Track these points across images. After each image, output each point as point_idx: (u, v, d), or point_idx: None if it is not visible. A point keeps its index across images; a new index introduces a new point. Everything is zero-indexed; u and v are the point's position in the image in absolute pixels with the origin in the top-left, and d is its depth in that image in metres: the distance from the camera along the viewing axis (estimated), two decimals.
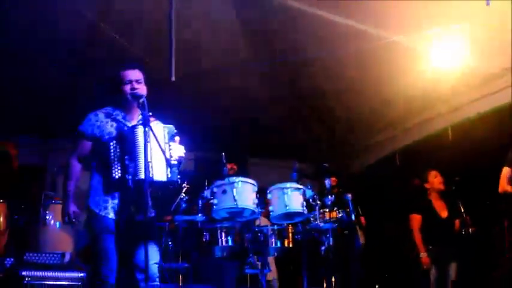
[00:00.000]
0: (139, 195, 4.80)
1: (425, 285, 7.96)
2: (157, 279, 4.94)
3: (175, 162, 4.87)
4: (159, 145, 4.76)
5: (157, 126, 4.91)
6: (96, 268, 4.80)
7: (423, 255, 7.98)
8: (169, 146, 4.90)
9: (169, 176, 4.80)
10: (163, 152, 4.79)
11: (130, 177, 4.70)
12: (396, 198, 9.25)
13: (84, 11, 7.24)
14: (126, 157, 4.74)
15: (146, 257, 4.53)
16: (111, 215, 4.83)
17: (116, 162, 4.77)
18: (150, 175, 4.68)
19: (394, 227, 9.28)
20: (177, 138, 4.97)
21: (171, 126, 4.99)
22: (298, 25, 7.69)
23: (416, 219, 8.17)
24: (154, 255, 4.89)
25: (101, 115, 5.03)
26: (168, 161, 4.81)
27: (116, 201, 4.86)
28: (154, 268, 4.88)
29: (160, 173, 4.76)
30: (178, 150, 4.92)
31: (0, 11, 7.00)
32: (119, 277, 4.77)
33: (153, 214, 5.00)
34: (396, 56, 7.78)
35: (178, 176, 4.87)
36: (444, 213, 8.18)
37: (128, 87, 5.02)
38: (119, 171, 4.74)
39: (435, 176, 8.29)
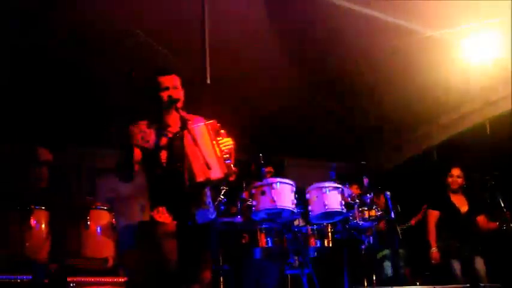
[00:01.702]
0: (199, 196, 4.85)
1: (450, 278, 7.91)
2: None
3: (228, 156, 4.85)
4: (206, 144, 4.76)
5: (199, 126, 4.90)
6: (152, 274, 4.82)
7: (433, 250, 8.05)
8: (217, 141, 4.89)
9: (225, 170, 4.79)
10: (213, 149, 4.80)
11: (186, 182, 4.68)
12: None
13: (116, 17, 7.27)
14: (178, 164, 4.72)
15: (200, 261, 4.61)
16: (171, 221, 4.84)
17: (168, 170, 4.77)
18: (206, 176, 4.70)
19: None
20: (222, 131, 4.95)
21: (213, 121, 4.97)
22: (332, 22, 7.65)
23: (432, 215, 8.27)
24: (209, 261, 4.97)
25: (143, 126, 5.04)
26: (220, 157, 4.81)
27: (174, 206, 4.85)
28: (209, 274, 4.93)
29: (215, 170, 4.75)
30: (226, 143, 4.91)
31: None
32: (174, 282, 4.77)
33: (214, 216, 5.09)
34: (431, 52, 7.71)
35: (234, 168, 4.85)
36: (464, 208, 8.22)
37: (165, 94, 5.03)
38: (173, 178, 4.73)
39: (458, 175, 8.30)
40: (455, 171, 8.31)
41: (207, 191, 5.12)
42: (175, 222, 4.80)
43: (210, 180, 4.79)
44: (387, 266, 8.40)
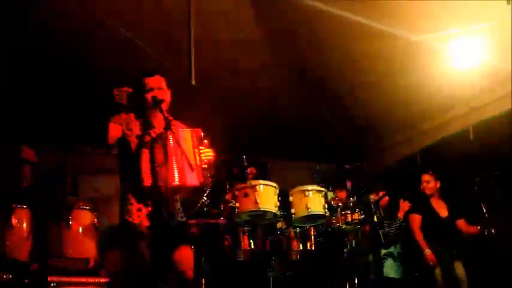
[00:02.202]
0: (172, 200, 4.86)
1: (433, 285, 7.93)
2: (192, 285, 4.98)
3: (206, 166, 4.85)
4: (187, 150, 4.76)
5: (184, 131, 4.91)
6: (128, 275, 4.82)
7: (427, 251, 7.98)
8: (199, 150, 4.89)
9: (201, 180, 4.78)
10: (194, 157, 4.79)
11: (162, 183, 4.69)
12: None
13: (101, 16, 7.25)
14: (155, 164, 4.73)
15: (181, 262, 4.61)
16: (145, 223, 4.83)
17: (146, 170, 4.76)
18: (182, 180, 4.69)
19: None
20: (205, 141, 4.95)
21: (198, 130, 4.98)
22: (317, 25, 7.67)
23: (416, 219, 8.25)
24: (189, 260, 4.93)
25: (131, 115, 5.01)
26: (198, 165, 4.80)
27: (149, 208, 4.86)
28: (189, 272, 4.91)
29: (192, 177, 4.75)
30: (207, 154, 4.91)
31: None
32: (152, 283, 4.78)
33: (184, 219, 5.09)
34: (416, 57, 7.74)
35: (210, 180, 4.86)
36: (444, 213, 8.28)
37: (149, 95, 5.03)
38: (151, 178, 4.74)
39: (427, 181, 8.36)
40: (425, 177, 8.40)
41: (177, 196, 5.10)
42: (147, 223, 4.82)
43: (185, 186, 4.78)
44: (389, 265, 8.28)
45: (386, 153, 10.59)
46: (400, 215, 8.23)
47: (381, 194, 8.02)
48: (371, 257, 7.94)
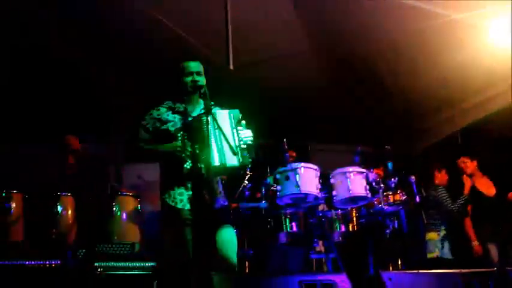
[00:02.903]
0: (213, 183, 4.90)
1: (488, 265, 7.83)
2: (236, 268, 4.99)
3: (245, 146, 4.88)
4: (226, 131, 4.79)
5: (222, 113, 4.94)
6: (172, 259, 4.86)
7: (475, 243, 7.94)
8: (237, 130, 4.90)
9: (240, 160, 4.80)
10: (232, 137, 4.83)
11: (202, 165, 4.73)
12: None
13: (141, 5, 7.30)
14: (195, 146, 4.78)
15: (224, 246, 4.68)
16: (187, 206, 4.88)
17: (186, 153, 4.82)
18: (222, 161, 4.72)
19: None
20: (243, 122, 4.97)
21: (236, 111, 4.97)
22: (355, 6, 7.61)
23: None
24: (232, 244, 4.97)
25: (163, 109, 5.09)
26: (237, 146, 4.83)
27: (190, 191, 4.91)
28: (234, 257, 4.94)
29: (231, 158, 4.77)
30: (246, 134, 4.93)
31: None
32: (192, 268, 4.81)
33: (226, 203, 5.11)
34: (456, 35, 7.66)
35: (250, 160, 4.87)
36: (490, 191, 8.14)
37: (188, 79, 5.08)
38: (190, 161, 4.79)
39: (464, 161, 8.28)
40: (461, 160, 8.29)
41: (219, 178, 5.14)
42: (188, 207, 4.87)
43: (225, 167, 4.80)
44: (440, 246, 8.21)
45: (427, 134, 10.52)
46: (466, 191, 8.07)
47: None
48: (429, 236, 7.92)
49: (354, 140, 9.18)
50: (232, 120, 4.92)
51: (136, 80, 8.55)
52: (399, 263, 7.56)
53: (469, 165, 8.19)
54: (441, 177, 8.29)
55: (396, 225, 7.41)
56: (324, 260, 7.63)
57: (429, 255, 7.97)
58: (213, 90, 5.01)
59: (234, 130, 4.88)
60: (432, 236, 8.04)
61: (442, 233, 8.00)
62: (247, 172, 7.21)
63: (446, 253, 7.94)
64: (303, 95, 9.08)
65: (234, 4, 7.13)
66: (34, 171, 7.75)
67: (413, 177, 7.42)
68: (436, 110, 9.90)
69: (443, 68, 8.43)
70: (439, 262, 7.80)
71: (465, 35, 7.68)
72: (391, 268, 7.48)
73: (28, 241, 6.62)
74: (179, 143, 4.87)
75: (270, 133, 8.60)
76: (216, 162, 4.71)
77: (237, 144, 4.82)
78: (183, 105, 5.11)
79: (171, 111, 5.07)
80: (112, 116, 9.13)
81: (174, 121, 5.00)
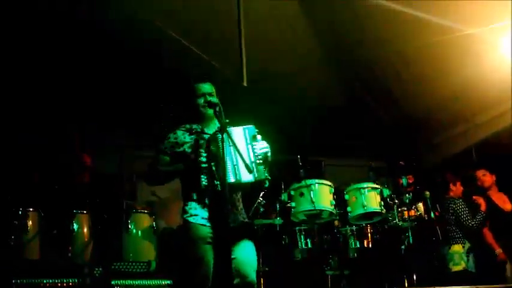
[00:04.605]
0: (232, 199, 4.91)
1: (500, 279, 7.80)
2: (255, 286, 4.99)
3: (261, 161, 4.89)
4: (241, 147, 4.81)
5: (236, 130, 4.96)
6: (191, 277, 4.86)
7: (498, 251, 7.89)
8: (252, 146, 4.93)
9: (256, 175, 4.82)
10: (247, 154, 4.86)
11: (218, 182, 4.72)
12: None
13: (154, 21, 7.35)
14: (211, 164, 4.80)
15: (244, 263, 4.76)
16: (206, 223, 4.90)
17: (202, 170, 4.82)
18: (238, 177, 4.76)
19: None
20: (258, 136, 4.99)
21: (251, 127, 5.01)
22: (368, 20, 7.65)
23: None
24: (252, 261, 4.98)
25: (179, 132, 5.12)
26: (253, 162, 4.85)
27: (207, 208, 4.93)
28: (253, 275, 4.95)
29: (246, 174, 4.79)
30: (262, 149, 4.95)
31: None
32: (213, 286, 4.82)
33: (247, 219, 5.14)
34: (470, 50, 7.66)
35: (266, 174, 4.88)
36: (508, 206, 8.13)
37: (200, 101, 5.11)
38: (206, 178, 4.80)
39: (483, 174, 8.24)
40: (480, 172, 8.30)
41: (239, 196, 5.15)
42: (208, 224, 4.88)
43: (241, 183, 4.82)
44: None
45: (440, 148, 10.49)
46: (483, 208, 8.04)
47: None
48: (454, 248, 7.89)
49: (368, 155, 9.17)
50: (247, 136, 4.96)
51: (150, 97, 8.59)
52: (414, 278, 7.51)
53: (488, 178, 8.19)
54: (456, 190, 8.26)
55: (411, 241, 7.39)
56: (339, 276, 7.60)
57: (455, 268, 7.88)
58: (227, 107, 5.04)
59: (249, 146, 4.92)
60: (457, 248, 7.98)
61: (467, 245, 7.95)
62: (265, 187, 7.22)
63: (471, 266, 7.90)
64: (316, 109, 9.10)
65: (247, 16, 7.19)
66: (49, 188, 7.78)
67: (427, 193, 7.41)
68: (449, 125, 9.88)
69: (456, 83, 8.41)
70: (465, 275, 7.74)
71: (479, 49, 7.67)
72: (406, 284, 7.45)
73: (44, 259, 6.64)
74: (192, 156, 4.89)
75: (283, 149, 8.59)
76: (231, 179, 4.74)
77: (252, 160, 4.85)
78: (199, 126, 5.14)
79: (187, 133, 5.10)
80: (127, 132, 9.16)
81: (190, 142, 5.03)
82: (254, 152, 4.90)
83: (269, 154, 4.98)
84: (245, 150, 4.87)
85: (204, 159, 4.83)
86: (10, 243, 6.54)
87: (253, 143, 4.94)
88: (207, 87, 5.18)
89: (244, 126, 5.02)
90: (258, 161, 4.87)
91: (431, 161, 10.69)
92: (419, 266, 7.59)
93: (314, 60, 8.39)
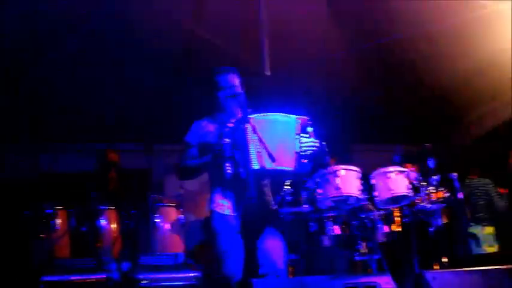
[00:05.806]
0: (261, 186, 4.96)
1: None
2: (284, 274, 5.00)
3: (303, 154, 4.87)
4: (281, 136, 4.83)
5: (284, 118, 4.96)
6: (221, 267, 4.88)
7: None
8: (299, 137, 4.91)
9: (292, 165, 4.82)
10: (293, 144, 4.85)
11: (242, 170, 4.73)
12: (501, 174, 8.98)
13: (177, 14, 7.36)
14: (236, 152, 4.78)
15: (272, 251, 4.85)
16: (232, 213, 4.92)
17: (227, 159, 4.81)
18: (261, 164, 4.71)
19: None
20: (309, 129, 4.97)
21: (304, 117, 5.00)
22: (391, 4, 7.59)
23: None
24: (279, 249, 5.01)
25: (204, 123, 5.17)
26: (296, 153, 4.84)
27: (234, 197, 4.95)
28: (281, 263, 4.98)
29: (282, 161, 4.77)
30: (308, 143, 4.93)
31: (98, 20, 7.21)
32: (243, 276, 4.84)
33: (275, 206, 5.15)
34: (495, 24, 7.56)
35: (306, 168, 4.89)
36: None
37: (223, 93, 5.13)
38: (231, 167, 4.79)
39: None
40: None
41: (267, 183, 5.14)
42: (235, 214, 4.90)
43: (264, 171, 4.76)
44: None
45: (468, 128, 10.39)
46: None
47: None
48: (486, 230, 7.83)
49: (394, 139, 9.11)
50: (296, 127, 4.93)
51: (174, 89, 8.63)
52: (444, 261, 7.47)
53: None
54: None
55: (440, 223, 7.33)
56: (368, 261, 7.58)
57: (489, 249, 7.84)
58: (249, 96, 5.04)
59: (297, 136, 4.90)
60: (489, 230, 7.94)
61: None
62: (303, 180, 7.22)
63: None
64: (341, 95, 9.06)
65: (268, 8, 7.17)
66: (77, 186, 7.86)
67: (454, 174, 7.35)
68: (477, 105, 9.78)
69: (482, 60, 8.32)
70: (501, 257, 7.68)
71: (504, 24, 7.56)
72: (436, 267, 7.40)
73: (73, 257, 6.71)
74: (217, 146, 4.87)
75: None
76: (255, 166, 4.71)
77: (296, 150, 4.84)
78: (224, 116, 5.13)
79: (212, 124, 5.12)
80: (154, 126, 9.21)
81: (215, 132, 5.03)
82: (300, 144, 4.90)
83: (315, 150, 4.96)
84: (288, 140, 4.87)
85: (228, 148, 4.84)
86: (40, 242, 6.63)
87: (302, 135, 4.94)
88: (230, 78, 5.19)
89: (297, 117, 5.01)
90: (301, 153, 4.87)
91: (458, 141, 10.61)
92: (449, 248, 7.55)
93: (339, 48, 8.34)
